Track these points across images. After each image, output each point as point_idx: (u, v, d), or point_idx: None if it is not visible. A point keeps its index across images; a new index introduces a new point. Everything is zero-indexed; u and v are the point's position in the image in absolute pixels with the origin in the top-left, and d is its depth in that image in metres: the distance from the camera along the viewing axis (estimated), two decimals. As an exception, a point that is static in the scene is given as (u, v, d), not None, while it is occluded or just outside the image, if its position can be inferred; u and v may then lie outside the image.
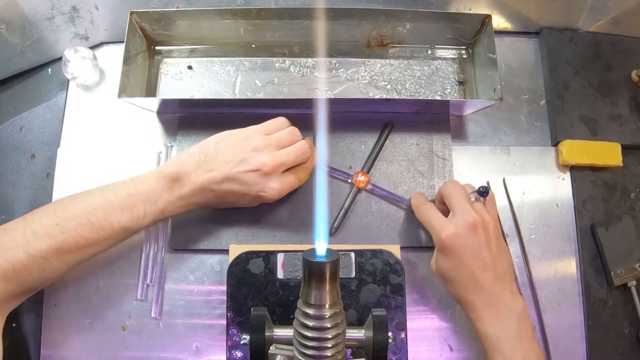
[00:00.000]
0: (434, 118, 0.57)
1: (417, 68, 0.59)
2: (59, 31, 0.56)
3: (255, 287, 0.48)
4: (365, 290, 0.49)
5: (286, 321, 0.47)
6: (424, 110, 0.56)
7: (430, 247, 0.50)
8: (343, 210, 0.53)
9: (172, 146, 0.56)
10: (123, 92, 0.50)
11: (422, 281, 0.53)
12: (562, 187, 0.57)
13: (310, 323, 0.36)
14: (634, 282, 0.54)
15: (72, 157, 0.55)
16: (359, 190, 0.54)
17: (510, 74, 0.60)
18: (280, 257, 0.49)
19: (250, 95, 0.57)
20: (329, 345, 0.36)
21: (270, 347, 0.41)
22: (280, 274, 0.49)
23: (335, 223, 0.53)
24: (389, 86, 0.58)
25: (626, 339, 0.53)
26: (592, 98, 0.59)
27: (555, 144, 0.58)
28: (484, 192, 0.46)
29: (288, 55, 0.59)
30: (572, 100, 0.58)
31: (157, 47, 0.58)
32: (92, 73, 0.57)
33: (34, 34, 0.54)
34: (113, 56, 0.59)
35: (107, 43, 0.59)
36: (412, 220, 0.53)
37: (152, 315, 0.51)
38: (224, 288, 0.49)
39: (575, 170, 0.57)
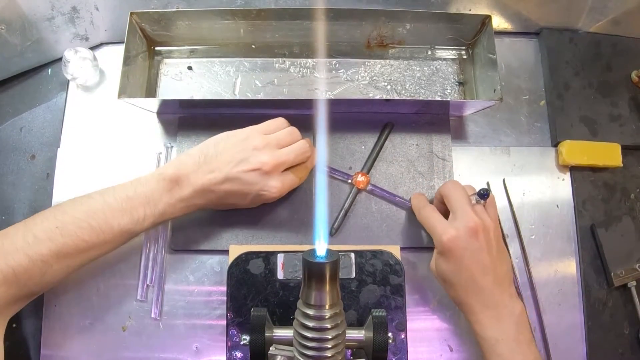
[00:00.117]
0: (434, 118, 0.57)
1: (417, 69, 0.59)
2: (59, 32, 0.56)
3: (255, 288, 0.48)
4: (365, 290, 0.49)
5: (286, 322, 0.47)
6: (423, 111, 0.56)
7: (430, 248, 0.50)
8: (343, 211, 0.53)
9: (172, 147, 0.56)
10: (123, 92, 0.50)
11: (422, 282, 0.53)
12: (562, 187, 0.57)
13: (310, 324, 0.36)
14: (634, 283, 0.54)
15: (72, 158, 0.55)
16: (359, 190, 0.54)
17: (510, 75, 0.60)
18: (280, 258, 0.49)
19: (250, 96, 0.57)
20: (329, 346, 0.36)
21: (270, 348, 0.41)
22: (280, 275, 0.49)
23: (335, 224, 0.53)
24: (389, 87, 0.58)
25: (626, 340, 0.53)
26: (592, 98, 0.59)
27: (555, 144, 0.58)
28: (484, 195, 0.46)
29: (288, 55, 0.59)
30: (572, 101, 0.58)
31: (157, 48, 0.58)
32: (92, 74, 0.57)
33: (34, 34, 0.54)
34: (113, 57, 0.59)
35: (107, 43, 0.59)
36: (412, 221, 0.53)
37: (152, 315, 0.51)
38: (224, 289, 0.49)
39: (575, 171, 0.57)
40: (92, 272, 0.51)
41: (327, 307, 0.36)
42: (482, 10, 0.57)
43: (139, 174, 0.46)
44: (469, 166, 0.57)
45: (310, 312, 0.36)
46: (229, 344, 0.48)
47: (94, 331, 0.50)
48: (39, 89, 0.58)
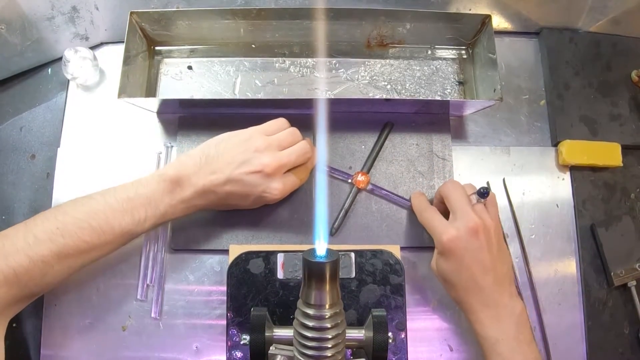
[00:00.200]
0: (434, 118, 0.57)
1: (417, 68, 0.59)
2: (59, 31, 0.56)
3: (255, 288, 0.48)
4: (365, 290, 0.49)
5: (286, 321, 0.47)
6: (424, 111, 0.56)
7: (430, 247, 0.50)
8: (343, 211, 0.53)
9: (172, 146, 0.56)
10: (123, 92, 0.50)
11: (422, 281, 0.53)
12: (562, 187, 0.57)
13: (310, 323, 0.36)
14: (634, 282, 0.54)
15: (72, 157, 0.55)
16: (359, 190, 0.54)
17: (510, 74, 0.60)
18: (280, 258, 0.49)
19: (250, 96, 0.57)
20: (329, 346, 0.36)
21: (270, 348, 0.41)
22: (280, 274, 0.49)
23: (336, 223, 0.53)
24: (389, 86, 0.58)
25: (626, 339, 0.53)
26: (592, 98, 0.59)
27: (555, 144, 0.58)
28: (484, 193, 0.46)
29: (288, 55, 0.59)
30: (572, 101, 0.58)
31: (157, 47, 0.58)
32: (92, 73, 0.57)
33: (34, 34, 0.54)
34: (113, 56, 0.59)
35: (107, 43, 0.59)
36: (412, 221, 0.53)
37: (152, 315, 0.51)
38: (224, 288, 0.49)
39: (575, 171, 0.57)
40: (92, 272, 0.51)
41: (327, 306, 0.36)
42: (482, 10, 0.57)
43: (139, 174, 0.46)
44: (469, 166, 0.57)
45: (310, 311, 0.36)
46: (229, 343, 0.48)
47: (94, 331, 0.50)
48: (39, 89, 0.58)
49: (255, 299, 0.48)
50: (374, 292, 0.49)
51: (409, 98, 0.57)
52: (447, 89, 0.59)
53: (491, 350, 0.43)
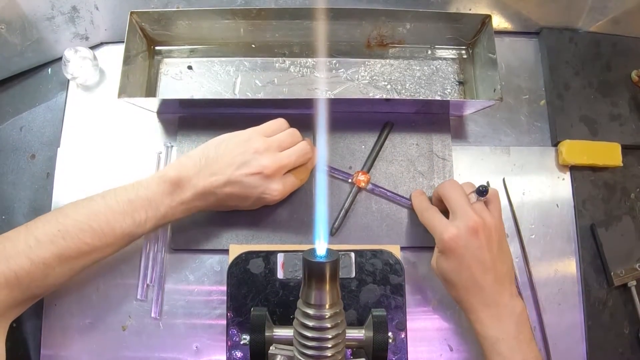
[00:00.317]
0: (434, 118, 0.57)
1: (417, 68, 0.59)
2: (59, 31, 0.56)
3: (255, 287, 0.48)
4: (365, 290, 0.49)
5: (286, 321, 0.47)
6: (424, 111, 0.56)
7: (430, 247, 0.50)
8: (343, 210, 0.53)
9: (172, 146, 0.56)
10: (123, 92, 0.50)
11: (422, 281, 0.53)
12: (562, 187, 0.57)
13: (310, 323, 0.36)
14: (634, 282, 0.54)
15: (72, 157, 0.55)
16: (359, 190, 0.54)
17: (510, 74, 0.60)
18: (280, 257, 0.49)
19: (250, 96, 0.57)
20: (329, 346, 0.36)
21: (270, 347, 0.41)
22: (280, 274, 0.49)
23: (336, 223, 0.53)
24: (389, 86, 0.58)
25: (626, 339, 0.53)
26: (592, 98, 0.59)
27: (555, 144, 0.58)
28: (483, 192, 0.46)
29: (288, 55, 0.59)
30: (572, 101, 0.58)
31: (157, 47, 0.58)
32: (92, 73, 0.57)
33: (34, 34, 0.54)
34: (113, 56, 0.59)
35: (107, 43, 0.59)
36: (413, 220, 0.53)
37: (152, 315, 0.51)
38: (224, 288, 0.49)
39: (575, 171, 0.57)
40: (92, 272, 0.51)
41: (327, 306, 0.36)
42: (482, 10, 0.57)
43: (139, 174, 0.47)
44: (469, 166, 0.57)
45: (310, 311, 0.36)
46: (229, 343, 0.48)
47: (94, 331, 0.50)
48: (39, 89, 0.58)
49: (255, 299, 0.48)
50: (374, 292, 0.49)
51: (409, 98, 0.57)
52: (447, 89, 0.59)
53: (491, 349, 0.43)
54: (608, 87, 0.60)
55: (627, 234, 0.55)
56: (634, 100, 0.59)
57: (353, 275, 0.49)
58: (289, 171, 0.48)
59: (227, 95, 0.57)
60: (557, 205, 0.56)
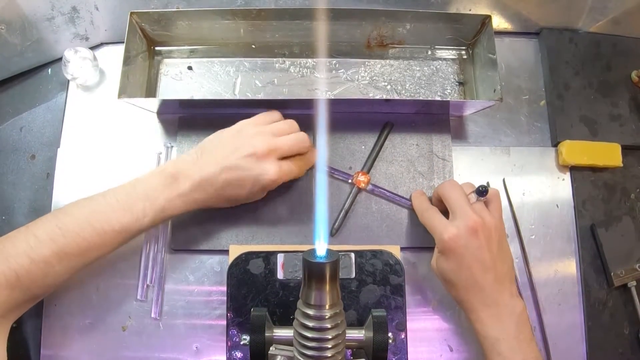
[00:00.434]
0: (434, 118, 0.57)
1: (417, 69, 0.59)
2: (59, 32, 0.56)
3: (255, 288, 0.48)
4: (365, 290, 0.49)
5: (286, 322, 0.47)
6: (424, 111, 0.56)
7: (430, 248, 0.50)
8: (343, 211, 0.53)
9: (172, 147, 0.56)
10: (123, 92, 0.50)
11: (423, 282, 0.53)
12: (562, 187, 0.57)
13: (310, 323, 0.36)
14: (634, 283, 0.54)
15: (72, 158, 0.55)
16: (359, 190, 0.54)
17: (510, 75, 0.60)
18: (280, 258, 0.49)
19: (250, 96, 0.57)
20: (329, 346, 0.36)
21: (270, 348, 0.41)
22: (280, 275, 0.49)
23: (336, 224, 0.53)
24: (389, 87, 0.58)
25: (626, 340, 0.53)
26: (592, 98, 0.59)
27: (555, 144, 0.58)
28: (483, 192, 0.46)
29: (288, 55, 0.59)
30: (572, 101, 0.58)
31: (157, 48, 0.58)
32: (92, 73, 0.57)
33: (34, 34, 0.54)
34: (113, 56, 0.59)
35: (107, 43, 0.59)
36: (413, 221, 0.53)
37: (152, 315, 0.51)
38: (224, 288, 0.49)
39: (575, 171, 0.57)
40: (92, 272, 0.51)
41: (327, 307, 0.36)
42: (482, 10, 0.57)
43: (139, 174, 0.46)
44: (469, 166, 0.57)
45: (310, 312, 0.36)
46: (229, 344, 0.48)
47: (94, 331, 0.50)
48: (39, 89, 0.58)
49: (255, 299, 0.48)
50: (374, 292, 0.49)
51: (409, 98, 0.57)
52: (447, 89, 0.59)
53: (491, 349, 0.43)
54: (608, 87, 0.60)
55: (627, 234, 0.55)
56: (634, 101, 0.59)
57: (353, 275, 0.49)
58: (286, 159, 0.48)
59: (227, 95, 0.57)
60: (557, 205, 0.56)
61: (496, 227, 0.45)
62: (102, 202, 0.43)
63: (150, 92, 0.57)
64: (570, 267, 0.55)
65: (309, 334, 0.36)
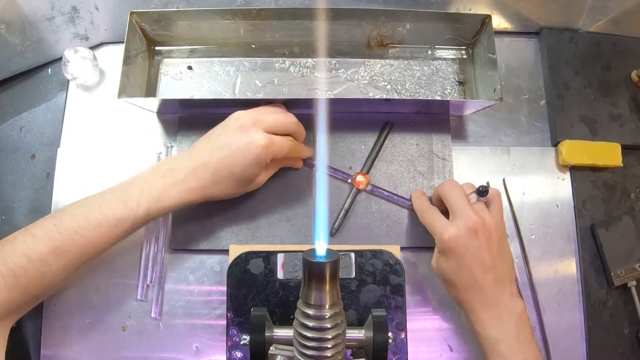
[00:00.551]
0: (434, 118, 0.57)
1: (417, 68, 0.59)
2: (59, 31, 0.56)
3: (255, 288, 0.48)
4: (365, 290, 0.49)
5: (286, 321, 0.47)
6: (424, 111, 0.56)
7: (430, 248, 0.50)
8: (343, 211, 0.53)
9: (172, 146, 0.56)
10: (123, 92, 0.50)
11: (422, 281, 0.53)
12: (562, 187, 0.57)
13: (310, 323, 0.36)
14: (634, 283, 0.54)
15: (72, 157, 0.55)
16: (359, 190, 0.54)
17: (510, 74, 0.60)
18: (280, 258, 0.49)
19: (250, 96, 0.57)
20: (329, 346, 0.36)
21: (270, 348, 0.41)
22: (280, 275, 0.49)
23: (336, 224, 0.53)
24: (389, 86, 0.58)
25: (626, 339, 0.53)
26: (592, 98, 0.59)
27: (555, 144, 0.58)
28: (483, 192, 0.46)
29: (288, 55, 0.59)
30: (572, 101, 0.58)
31: (157, 48, 0.58)
32: (92, 73, 0.57)
33: (34, 34, 0.54)
34: (113, 56, 0.59)
35: (107, 43, 0.59)
36: (413, 221, 0.53)
37: (152, 315, 0.51)
38: (224, 288, 0.49)
39: (575, 171, 0.57)
40: (92, 272, 0.51)
41: (327, 306, 0.36)
42: (482, 10, 0.57)
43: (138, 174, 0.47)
44: (469, 166, 0.57)
45: (310, 311, 0.36)
46: (229, 343, 0.48)
47: (94, 331, 0.50)
48: (39, 89, 0.58)
49: (255, 299, 0.48)
50: (374, 292, 0.49)
51: (409, 98, 0.57)
52: (447, 89, 0.59)
53: (491, 349, 0.43)
54: (608, 87, 0.60)
55: (627, 234, 0.55)
56: (634, 101, 0.59)
57: (353, 275, 0.49)
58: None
59: (227, 95, 0.57)
60: (557, 205, 0.56)
61: (496, 227, 0.45)
62: (98, 197, 0.44)
63: (150, 91, 0.57)
64: (570, 267, 0.55)
65: (309, 334, 0.36)
